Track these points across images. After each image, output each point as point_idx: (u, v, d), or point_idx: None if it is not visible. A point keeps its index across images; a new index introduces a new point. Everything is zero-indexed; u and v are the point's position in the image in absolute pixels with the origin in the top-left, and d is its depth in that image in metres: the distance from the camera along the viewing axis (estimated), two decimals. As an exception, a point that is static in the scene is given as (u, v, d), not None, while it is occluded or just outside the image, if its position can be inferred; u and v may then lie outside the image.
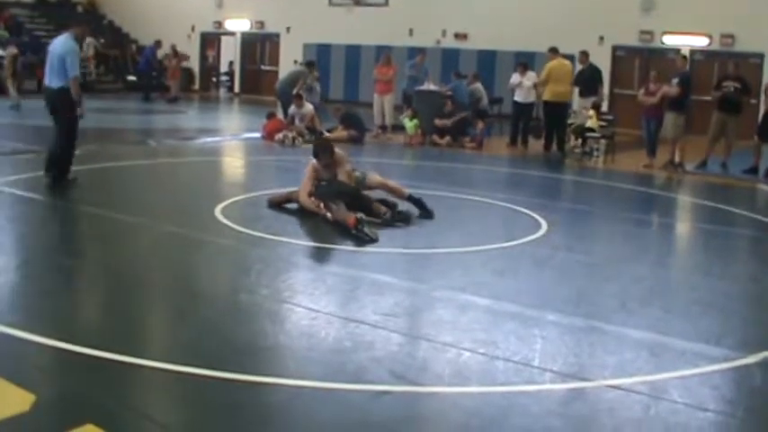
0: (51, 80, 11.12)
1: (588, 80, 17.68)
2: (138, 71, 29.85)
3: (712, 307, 6.94)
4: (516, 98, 18.57)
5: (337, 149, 10.02)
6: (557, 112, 17.45)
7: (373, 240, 8.44)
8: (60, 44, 11.13)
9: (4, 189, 10.55)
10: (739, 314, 6.90)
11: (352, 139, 17.71)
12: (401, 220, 9.35)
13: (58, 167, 11.01)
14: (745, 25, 22.00)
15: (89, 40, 30.55)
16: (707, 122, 15.94)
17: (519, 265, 8.12)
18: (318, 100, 20.04)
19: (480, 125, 18.52)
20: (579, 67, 18.02)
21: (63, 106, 11.10)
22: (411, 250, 8.59)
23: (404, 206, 9.69)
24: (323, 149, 9.87)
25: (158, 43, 28.86)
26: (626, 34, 23.91)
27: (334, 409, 4.66)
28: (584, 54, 18.08)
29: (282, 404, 4.69)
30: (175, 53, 29.20)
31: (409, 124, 18.71)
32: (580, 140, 17.26)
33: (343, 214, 8.83)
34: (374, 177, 10.09)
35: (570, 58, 18.27)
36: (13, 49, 23.31)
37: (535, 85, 18.25)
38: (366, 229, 8.53)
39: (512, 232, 9.51)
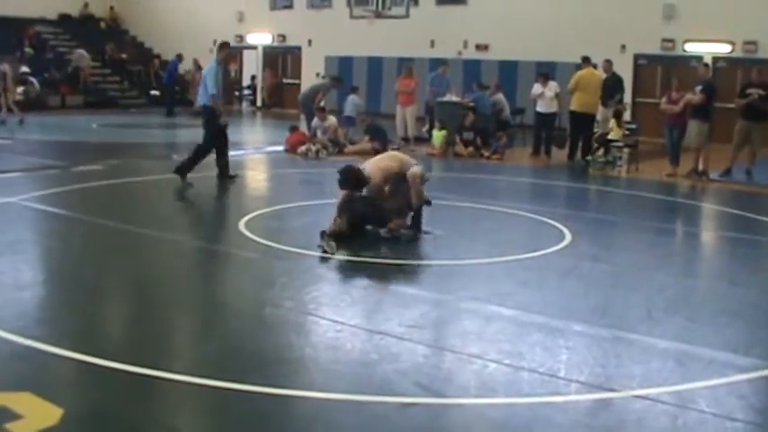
0: (199, 98, 13.54)
1: (611, 89, 17.60)
2: (162, 85, 29.99)
3: (739, 316, 6.88)
4: (538, 108, 18.52)
5: (375, 160, 9.79)
6: (583, 122, 17.30)
7: (328, 253, 8.39)
8: (206, 67, 13.51)
9: (29, 204, 10.64)
10: (766, 323, 6.85)
11: (375, 151, 17.72)
12: (398, 237, 9.26)
13: (185, 167, 13.07)
14: (768, 32, 21.89)
15: (80, 51, 30.74)
16: (730, 130, 15.87)
17: (544, 276, 8.09)
18: (356, 114, 20.04)
19: (503, 139, 18.49)
20: (603, 75, 17.94)
21: (205, 120, 13.33)
22: (436, 262, 8.59)
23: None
24: (344, 182, 9.38)
25: (180, 57, 29.02)
26: (648, 42, 23.82)
27: (361, 421, 4.66)
28: (609, 62, 18.01)
29: (309, 416, 4.70)
30: (199, 67, 29.33)
31: (437, 134, 18.70)
32: (603, 150, 17.19)
33: (334, 225, 8.94)
34: (412, 171, 9.51)
35: (593, 67, 18.21)
36: (4, 66, 23.30)
37: (557, 95, 18.23)
38: (324, 243, 8.50)
39: (536, 243, 9.48)
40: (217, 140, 13.25)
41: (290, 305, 6.84)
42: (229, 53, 13.75)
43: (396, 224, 9.21)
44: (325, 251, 8.42)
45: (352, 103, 20.23)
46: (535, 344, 5.94)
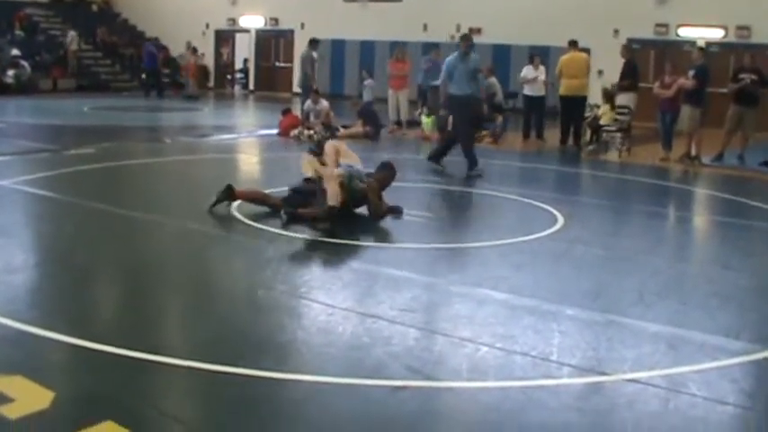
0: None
1: (623, 75, 17.51)
2: (143, 69, 29.72)
3: (731, 300, 6.90)
4: (526, 92, 18.54)
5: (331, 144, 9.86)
6: (572, 105, 17.34)
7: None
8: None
9: (21, 188, 10.60)
10: (758, 307, 6.86)
11: (368, 135, 17.72)
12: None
13: (438, 154, 13.55)
14: (761, 17, 21.90)
15: (72, 33, 30.48)
16: (723, 115, 15.88)
17: (536, 260, 8.09)
18: (372, 98, 19.93)
19: (499, 119, 18.48)
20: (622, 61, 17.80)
21: (455, 109, 13.44)
22: (428, 245, 8.59)
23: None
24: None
25: (151, 39, 28.94)
26: (641, 27, 23.81)
27: (352, 404, 4.66)
28: (624, 48, 17.96)
29: (301, 400, 4.70)
30: (194, 51, 29.20)
31: (426, 120, 18.68)
32: (595, 135, 17.19)
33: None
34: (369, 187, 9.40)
35: (586, 50, 18.18)
36: None
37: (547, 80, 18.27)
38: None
39: (528, 226, 9.48)
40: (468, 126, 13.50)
41: (282, 288, 6.83)
42: (469, 43, 13.60)
43: (307, 212, 8.95)
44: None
45: (369, 86, 20.17)
46: (527, 327, 5.94)
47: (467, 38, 13.74)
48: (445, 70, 13.40)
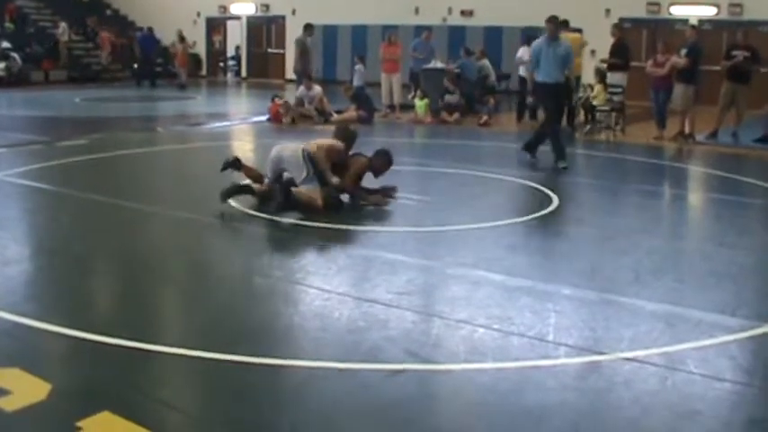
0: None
1: (617, 54, 17.39)
2: (139, 59, 29.50)
3: (727, 277, 6.90)
4: (522, 73, 18.47)
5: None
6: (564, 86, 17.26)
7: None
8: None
9: (13, 180, 10.57)
10: (754, 284, 6.88)
11: (362, 120, 17.70)
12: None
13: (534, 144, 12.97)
14: (753, -7, 21.86)
15: (63, 25, 30.30)
16: (716, 93, 15.85)
17: (531, 240, 8.10)
18: (362, 83, 19.79)
19: (491, 101, 18.47)
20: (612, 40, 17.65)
21: (542, 100, 13.20)
22: (423, 228, 8.58)
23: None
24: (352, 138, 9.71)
25: (149, 29, 28.96)
26: (633, 6, 23.76)
27: (350, 388, 4.65)
28: (616, 27, 17.87)
29: (298, 385, 4.70)
30: (182, 39, 29.10)
31: (420, 103, 18.64)
32: (590, 115, 17.15)
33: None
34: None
35: (577, 31, 18.12)
36: None
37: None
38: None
39: (523, 207, 9.49)
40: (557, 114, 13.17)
41: (277, 274, 6.83)
42: (554, 28, 12.65)
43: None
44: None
45: (359, 71, 20.10)
46: (524, 308, 5.94)
47: (555, 20, 12.76)
48: (532, 55, 12.79)
